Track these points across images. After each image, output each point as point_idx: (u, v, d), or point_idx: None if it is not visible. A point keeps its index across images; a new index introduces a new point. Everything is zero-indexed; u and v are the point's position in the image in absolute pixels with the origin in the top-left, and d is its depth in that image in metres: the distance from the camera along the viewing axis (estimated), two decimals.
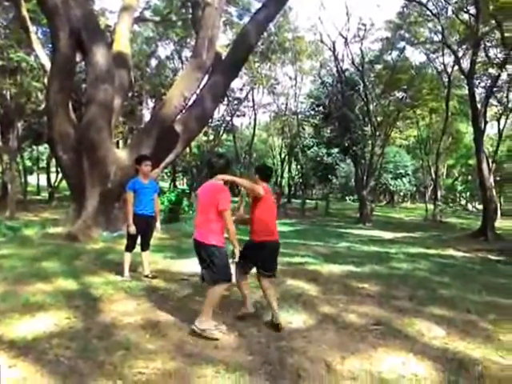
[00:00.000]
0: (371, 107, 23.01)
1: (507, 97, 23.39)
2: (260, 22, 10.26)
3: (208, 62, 9.76)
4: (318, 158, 25.94)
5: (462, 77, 19.30)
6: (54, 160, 18.74)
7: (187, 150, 28.48)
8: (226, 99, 28.25)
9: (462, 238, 15.22)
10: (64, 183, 15.34)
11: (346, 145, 23.34)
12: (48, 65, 10.69)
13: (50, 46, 11.66)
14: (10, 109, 18.85)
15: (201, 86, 10.33)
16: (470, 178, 43.92)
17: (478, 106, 17.08)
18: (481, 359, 3.38)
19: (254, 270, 4.14)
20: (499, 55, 19.45)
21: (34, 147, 28.79)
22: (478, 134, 16.68)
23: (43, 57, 11.88)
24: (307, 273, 6.46)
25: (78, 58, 9.42)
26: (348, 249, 10.00)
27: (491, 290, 5.95)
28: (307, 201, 29.42)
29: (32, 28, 12.90)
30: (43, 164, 26.02)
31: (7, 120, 19.27)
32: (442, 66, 24.00)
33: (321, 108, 26.91)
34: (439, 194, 30.04)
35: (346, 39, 23.64)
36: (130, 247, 5.52)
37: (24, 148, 25.77)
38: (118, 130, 23.48)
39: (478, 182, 19.99)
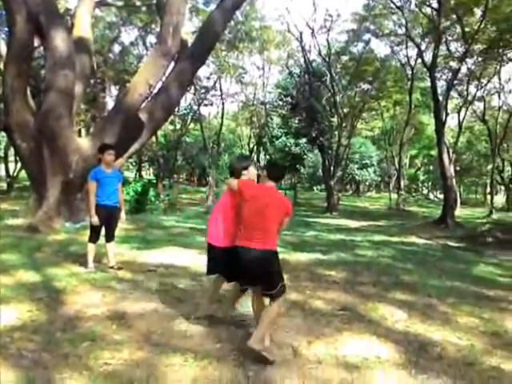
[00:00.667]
0: (338, 98, 23.31)
1: (467, 90, 24.32)
2: (227, 10, 10.12)
3: (173, 49, 9.55)
4: (286, 149, 26.06)
5: (425, 69, 19.85)
6: (12, 149, 17.92)
7: (153, 139, 27.94)
8: (192, 88, 27.79)
9: (424, 226, 15.81)
10: (23, 173, 14.73)
11: (314, 135, 23.55)
12: (4, 49, 10.15)
13: (6, 29, 11.07)
14: None
15: (166, 74, 10.12)
16: (431, 168, 45.57)
17: (440, 98, 17.66)
18: (440, 341, 3.54)
19: None
20: (460, 49, 20.17)
21: None
22: (440, 125, 17.27)
23: None
24: None
25: (37, 42, 9.00)
26: (315, 237, 10.18)
27: (451, 275, 6.23)
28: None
29: None
30: (0, 153, 24.82)
31: None
32: (406, 58, 24.64)
33: (288, 98, 26.97)
34: (402, 183, 30.99)
35: (312, 30, 23.78)
36: (93, 238, 5.38)
37: None
38: (80, 117, 22.66)
39: (439, 171, 20.76)
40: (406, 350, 3.33)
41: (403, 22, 20.90)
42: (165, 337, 3.37)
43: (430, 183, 52.74)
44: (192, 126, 36.41)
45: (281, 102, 28.26)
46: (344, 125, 24.01)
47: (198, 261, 6.25)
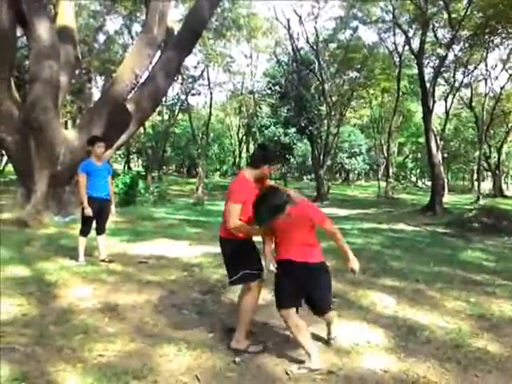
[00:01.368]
0: (326, 87, 23.29)
1: (454, 77, 24.44)
2: None
3: (159, 37, 9.42)
4: (276, 138, 26.05)
5: (413, 57, 19.89)
6: None
7: (141, 130, 27.69)
8: (180, 77, 27.51)
9: (412, 213, 16.00)
10: (10, 167, 14.51)
11: (303, 124, 23.55)
12: None
13: None
14: None
15: (153, 63, 10.00)
16: (419, 155, 45.92)
17: (427, 85, 17.74)
18: (428, 325, 3.62)
19: None
20: (447, 35, 20.22)
21: None
22: (427, 112, 17.38)
23: None
24: None
25: (19, 32, 8.80)
26: None
27: (439, 260, 6.33)
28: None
29: None
30: None
31: None
32: (394, 45, 24.65)
33: (277, 87, 26.87)
34: (391, 171, 31.23)
35: (300, 17, 23.64)
36: (84, 232, 5.36)
37: None
38: (66, 109, 22.34)
39: (427, 159, 20.94)
40: (395, 334, 3.40)
41: (390, 8, 20.87)
42: (157, 328, 3.39)
43: (418, 171, 53.21)
44: (180, 116, 36.15)
45: (269, 91, 28.17)
46: (333, 113, 24.04)
47: (188, 252, 6.28)
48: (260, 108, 32.15)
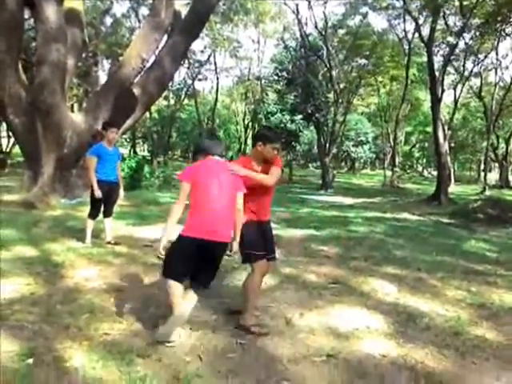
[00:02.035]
0: (334, 73, 23.03)
1: (464, 65, 24.07)
2: None
3: (167, 21, 9.38)
4: (282, 125, 25.85)
5: (422, 44, 19.59)
6: (4, 124, 17.72)
7: (147, 114, 27.65)
8: (186, 62, 27.38)
9: (417, 203, 15.95)
10: (17, 149, 14.60)
11: (309, 111, 23.34)
12: None
13: None
14: None
15: (160, 47, 9.96)
16: (426, 145, 45.56)
17: (436, 74, 17.51)
18: (428, 312, 3.67)
19: None
20: (457, 23, 19.87)
21: None
22: (435, 101, 17.19)
23: None
24: None
25: (27, 14, 8.78)
26: (310, 214, 10.28)
27: (441, 250, 6.36)
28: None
29: None
30: None
31: None
32: (403, 32, 24.25)
33: (284, 73, 26.58)
34: (397, 160, 31.06)
35: (309, 2, 23.26)
36: (93, 214, 5.47)
37: None
38: (72, 92, 22.32)
39: (434, 148, 20.78)
40: (395, 320, 3.45)
41: None
42: (161, 309, 3.46)
43: (424, 160, 52.85)
44: (186, 101, 36.02)
45: (276, 77, 27.86)
46: (340, 101, 23.81)
47: None
48: (266, 94, 31.89)
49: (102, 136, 5.58)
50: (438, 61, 21.37)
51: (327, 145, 23.18)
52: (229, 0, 25.31)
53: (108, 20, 27.74)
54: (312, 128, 26.98)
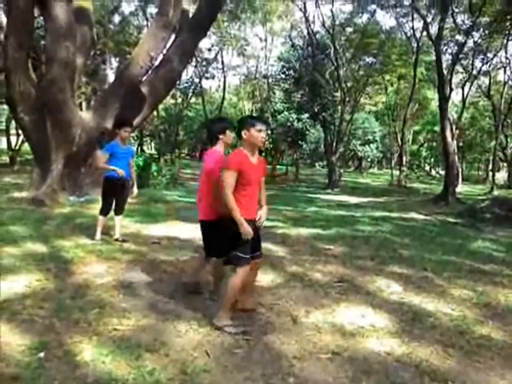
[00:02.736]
0: (341, 72, 22.95)
1: (472, 64, 23.88)
2: None
3: (174, 19, 9.42)
4: (289, 124, 25.84)
5: (430, 43, 19.47)
6: (14, 122, 17.84)
7: (155, 113, 27.74)
8: (194, 60, 27.43)
9: (424, 202, 15.89)
10: (26, 146, 14.74)
11: (316, 110, 23.32)
12: (4, 20, 10.01)
13: None
14: None
15: (167, 46, 10.01)
16: (434, 144, 45.26)
17: (445, 72, 17.40)
18: (433, 311, 3.69)
19: None
20: (466, 21, 19.72)
21: None
22: (443, 100, 17.08)
23: None
24: (276, 236, 6.67)
25: (36, 12, 8.87)
26: (316, 213, 10.29)
27: (448, 250, 6.36)
28: (277, 166, 29.66)
29: None
30: (2, 126, 24.72)
31: None
32: (411, 31, 24.10)
33: (291, 72, 26.54)
34: (404, 159, 30.87)
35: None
36: (104, 211, 5.55)
37: None
38: (81, 90, 22.46)
39: (441, 147, 20.64)
40: (400, 319, 3.47)
41: None
42: (169, 305, 3.52)
43: (432, 159, 52.52)
44: (193, 99, 36.09)
45: (283, 76, 27.83)
46: (347, 99, 23.71)
47: (200, 234, 6.38)
48: (273, 93, 31.85)
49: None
50: (446, 59, 21.26)
51: (334, 144, 23.12)
52: None
53: (116, 18, 27.89)
54: (319, 127, 26.91)
